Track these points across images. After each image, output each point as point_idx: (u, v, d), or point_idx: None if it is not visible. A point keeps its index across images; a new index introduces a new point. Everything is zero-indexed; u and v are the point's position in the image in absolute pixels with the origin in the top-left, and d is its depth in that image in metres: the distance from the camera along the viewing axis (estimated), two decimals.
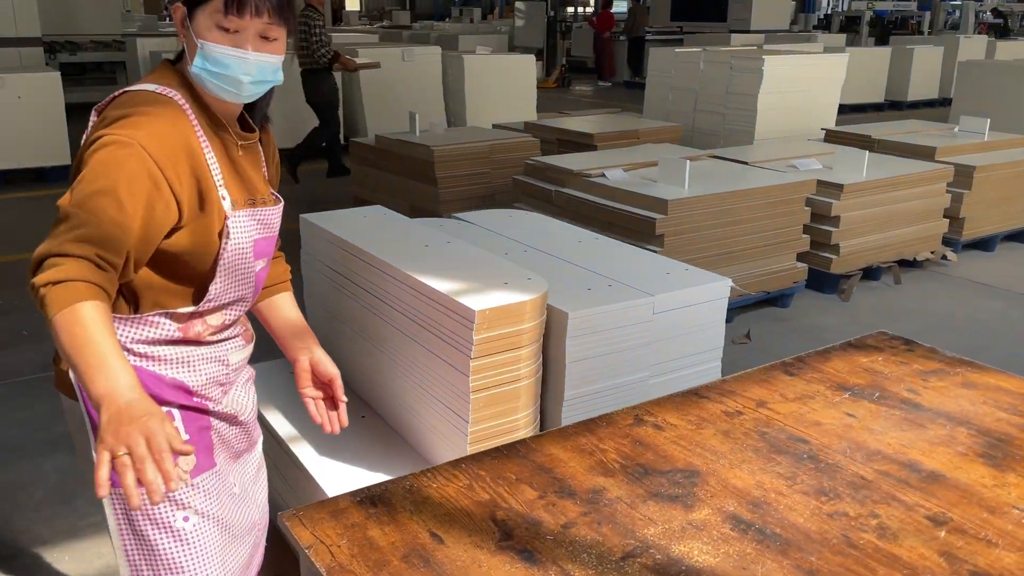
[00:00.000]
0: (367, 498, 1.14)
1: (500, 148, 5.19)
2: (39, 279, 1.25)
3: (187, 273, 1.47)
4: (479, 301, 1.84)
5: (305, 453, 2.09)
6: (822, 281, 4.73)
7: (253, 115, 1.57)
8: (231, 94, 1.44)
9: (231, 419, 1.64)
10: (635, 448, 1.27)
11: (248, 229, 1.51)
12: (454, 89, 8.65)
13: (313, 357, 1.68)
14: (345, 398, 1.67)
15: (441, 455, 2.00)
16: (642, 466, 1.22)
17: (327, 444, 2.11)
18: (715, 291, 2.20)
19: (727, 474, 1.21)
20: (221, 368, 1.58)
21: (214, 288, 1.49)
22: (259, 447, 1.78)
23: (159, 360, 1.49)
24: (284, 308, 1.76)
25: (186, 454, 1.15)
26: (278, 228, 1.62)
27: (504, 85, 8.74)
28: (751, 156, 5.05)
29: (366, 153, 5.59)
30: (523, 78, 8.91)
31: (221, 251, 1.47)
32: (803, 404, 1.41)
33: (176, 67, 1.49)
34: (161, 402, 1.44)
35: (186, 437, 1.51)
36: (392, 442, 2.16)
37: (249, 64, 1.41)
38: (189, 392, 1.53)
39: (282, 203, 1.62)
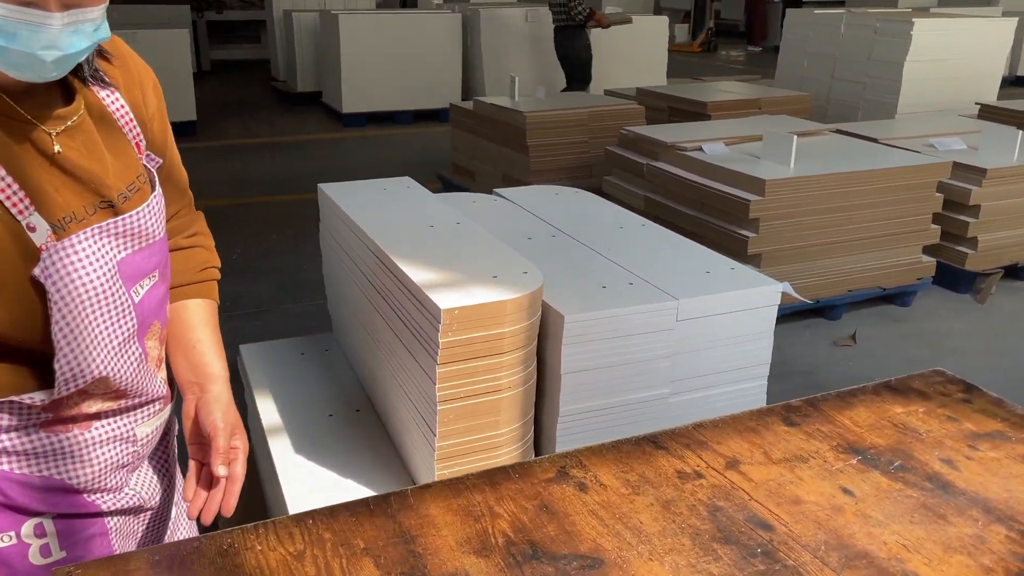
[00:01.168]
0: (168, 558, 0.91)
1: (599, 116, 4.85)
2: None
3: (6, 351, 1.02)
4: (450, 298, 1.57)
5: (281, 453, 1.90)
6: (955, 279, 4.15)
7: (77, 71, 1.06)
8: (32, 76, 0.95)
9: (135, 511, 1.23)
10: (538, 516, 0.98)
11: (96, 256, 1.03)
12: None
13: (200, 400, 1.19)
14: (222, 471, 1.13)
15: (416, 469, 1.76)
16: (534, 544, 0.94)
17: (309, 445, 1.92)
18: (761, 297, 1.84)
19: (638, 569, 0.90)
20: (123, 448, 1.17)
21: (60, 366, 1.02)
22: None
23: (16, 454, 1.07)
24: (185, 321, 1.24)
25: None
26: (160, 225, 1.14)
27: (633, 48, 8.30)
28: (884, 132, 4.49)
29: (464, 118, 5.37)
30: (654, 41, 8.43)
31: (50, 306, 1.00)
32: (789, 470, 1.08)
33: None
34: (21, 512, 1.08)
35: (61, 555, 1.13)
36: (381, 448, 1.94)
37: (53, 33, 0.91)
38: (72, 491, 1.13)
39: (156, 192, 1.15)
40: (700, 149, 3.91)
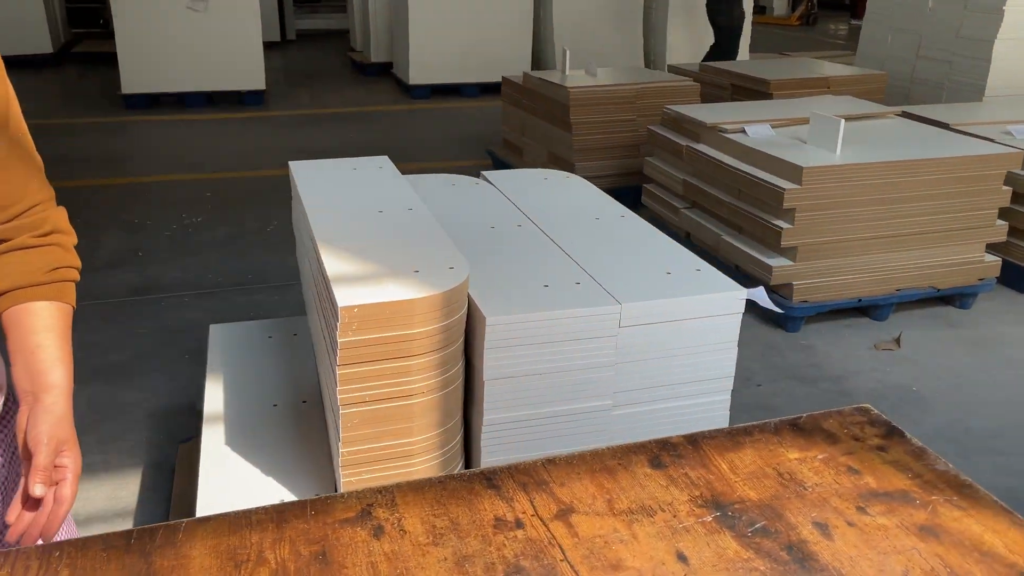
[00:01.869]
0: None
1: (650, 93, 4.61)
2: None
3: None
4: (354, 294, 1.46)
5: (211, 444, 1.83)
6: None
7: None
8: None
9: None
10: (308, 566, 0.86)
11: None
12: (655, 24, 7.97)
13: (32, 411, 1.07)
14: (39, 491, 1.02)
15: (337, 473, 1.67)
16: None
17: (242, 437, 1.85)
18: (721, 304, 1.66)
19: None
20: None
21: None
22: None
23: None
24: (27, 325, 1.12)
25: None
26: None
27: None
28: (959, 117, 4.12)
29: (514, 92, 5.21)
30: None
31: None
32: (627, 524, 0.92)
33: None
34: None
35: None
36: (314, 446, 1.85)
37: None
38: None
39: None
40: (743, 131, 3.66)
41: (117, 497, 2.46)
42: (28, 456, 1.07)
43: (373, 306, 1.44)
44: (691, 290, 1.66)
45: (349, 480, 1.55)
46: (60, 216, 1.22)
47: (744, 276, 3.50)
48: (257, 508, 0.95)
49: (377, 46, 8.60)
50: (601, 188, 4.65)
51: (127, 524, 2.35)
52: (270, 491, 1.68)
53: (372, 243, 1.69)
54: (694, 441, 1.07)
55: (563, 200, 2.18)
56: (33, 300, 1.13)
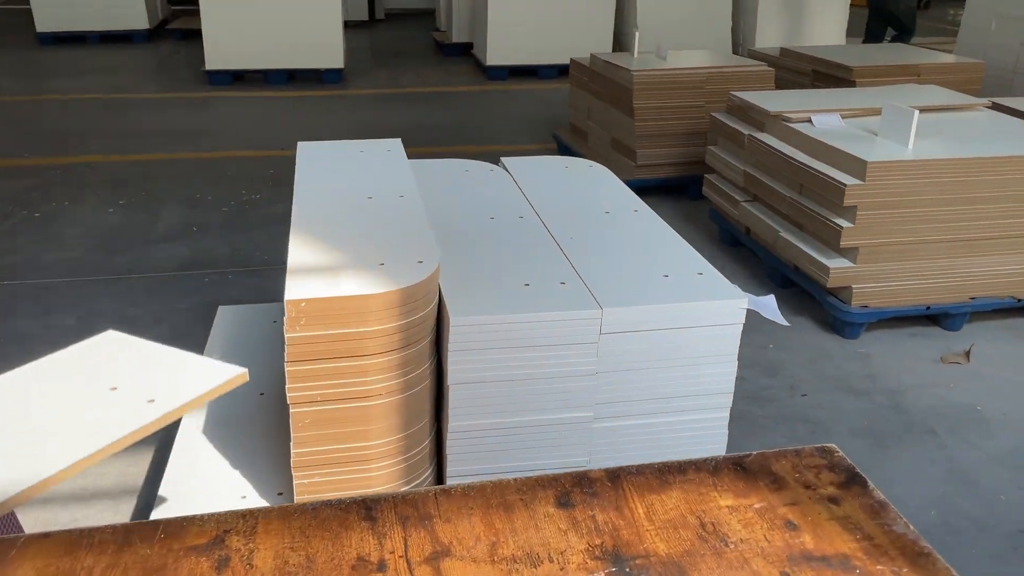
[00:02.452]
0: None
1: (720, 78, 4.38)
2: None
3: None
4: (304, 287, 1.37)
5: (186, 433, 1.78)
6: None
7: None
8: None
9: None
10: None
11: None
12: (745, 6, 7.64)
13: None
14: None
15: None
16: None
17: (221, 426, 1.79)
18: (718, 313, 1.50)
19: None
20: None
21: None
22: None
23: None
24: None
25: None
26: None
27: (813, 3, 7.55)
28: None
29: (581, 74, 5.04)
30: None
31: None
32: (508, 571, 0.80)
33: None
34: None
35: None
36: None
37: None
38: None
39: None
40: (809, 121, 3.42)
41: (128, 474, 2.45)
42: None
43: (322, 300, 1.35)
44: (685, 296, 1.51)
45: (301, 483, 1.46)
46: None
47: (802, 276, 3.27)
48: (107, 527, 0.87)
49: (459, 26, 8.53)
50: (663, 177, 4.48)
51: (132, 502, 2.35)
52: (235, 484, 1.62)
53: (347, 232, 1.60)
54: (615, 477, 0.94)
55: (577, 191, 2.04)
56: None
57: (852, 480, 0.93)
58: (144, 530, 0.86)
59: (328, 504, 0.89)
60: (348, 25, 10.10)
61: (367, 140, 2.19)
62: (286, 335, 1.36)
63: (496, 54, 7.52)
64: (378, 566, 0.81)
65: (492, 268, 1.60)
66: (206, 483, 1.61)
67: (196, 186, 4.81)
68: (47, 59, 8.09)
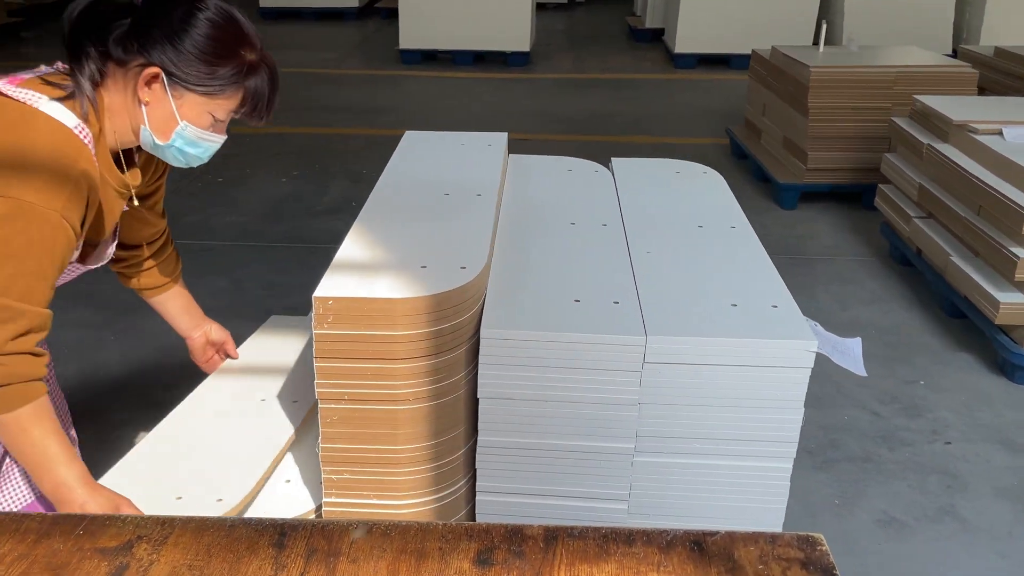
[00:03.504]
0: None
1: (911, 78, 3.97)
2: None
3: None
4: (335, 284, 1.36)
5: (156, 439, 1.67)
6: None
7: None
8: (179, 163, 1.45)
9: None
10: None
11: (65, 275, 1.46)
12: None
13: (206, 332, 1.85)
14: (237, 354, 1.87)
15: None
16: None
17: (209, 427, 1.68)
18: (779, 353, 1.35)
19: None
20: None
21: None
22: None
23: None
24: (180, 297, 1.82)
25: None
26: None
27: None
28: None
29: (760, 67, 4.75)
30: None
31: None
32: None
33: (77, 85, 1.31)
34: None
35: None
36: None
37: (216, 147, 1.44)
38: None
39: (104, 262, 1.57)
40: (999, 133, 3.03)
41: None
42: (208, 355, 1.87)
43: (349, 300, 1.33)
44: (746, 331, 1.36)
45: (330, 478, 1.46)
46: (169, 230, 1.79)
47: (972, 308, 2.92)
48: (38, 515, 0.89)
49: (653, 10, 8.31)
50: (834, 183, 4.15)
51: None
52: (175, 484, 1.51)
53: (406, 229, 1.57)
54: (552, 538, 0.85)
55: (677, 200, 1.90)
56: (173, 287, 1.81)
57: None
58: (68, 524, 0.87)
59: (246, 523, 0.87)
60: (546, 8, 10.15)
61: (472, 133, 2.16)
62: (314, 331, 1.35)
63: (686, 41, 7.27)
64: None
65: (548, 278, 1.52)
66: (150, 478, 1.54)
67: (367, 162, 5.00)
68: (263, 33, 8.69)
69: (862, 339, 2.97)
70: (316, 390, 1.40)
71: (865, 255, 3.78)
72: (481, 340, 1.37)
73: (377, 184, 1.80)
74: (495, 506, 1.50)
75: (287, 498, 1.54)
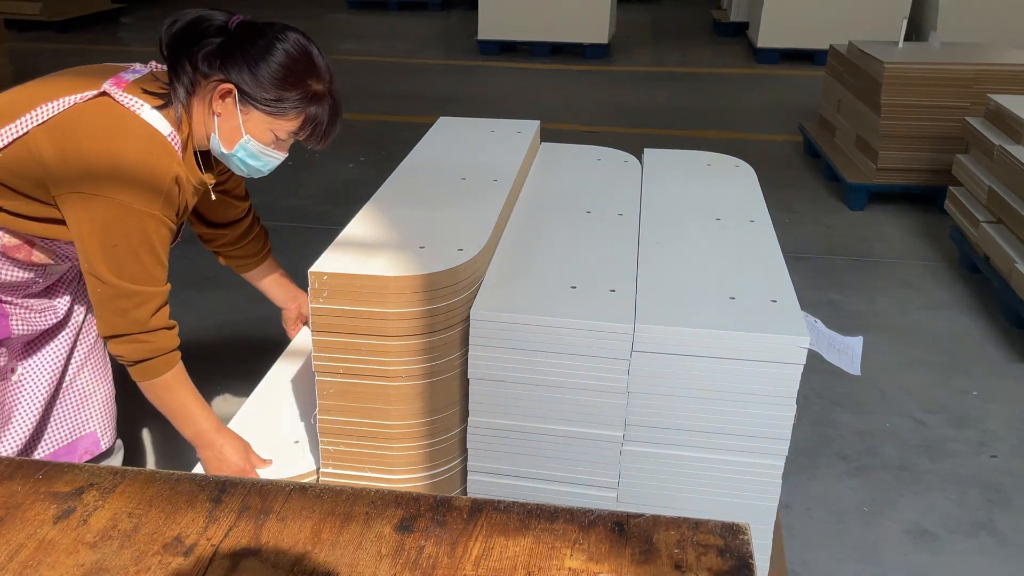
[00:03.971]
0: None
1: (992, 76, 3.79)
2: (132, 355, 1.47)
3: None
4: (332, 260, 1.40)
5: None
6: None
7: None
8: (242, 173, 1.57)
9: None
10: None
11: None
12: None
13: (300, 304, 2.00)
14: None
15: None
16: None
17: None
18: (771, 348, 1.32)
19: None
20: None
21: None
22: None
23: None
24: (274, 272, 1.98)
25: (268, 466, 1.57)
26: None
27: None
28: None
29: (837, 62, 4.60)
30: None
31: None
32: None
33: (174, 93, 1.46)
34: None
35: None
36: None
37: (277, 163, 1.57)
38: None
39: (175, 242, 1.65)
40: None
41: None
42: (297, 325, 2.02)
43: (342, 276, 1.36)
44: (738, 323, 1.34)
45: (327, 448, 1.51)
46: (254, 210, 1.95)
47: None
48: (6, 459, 0.95)
49: (738, 4, 8.14)
50: (906, 184, 4.00)
51: None
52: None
53: (410, 211, 1.60)
54: (478, 510, 0.86)
55: (701, 193, 1.88)
56: (268, 258, 1.97)
57: (739, 569, 0.78)
58: (30, 468, 0.93)
59: (191, 478, 0.91)
60: (632, 1, 10.04)
61: (504, 120, 2.17)
62: (310, 305, 1.39)
63: (769, 35, 7.09)
64: (187, 550, 0.81)
65: (550, 264, 1.53)
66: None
67: None
68: (347, 22, 8.87)
69: (919, 345, 2.87)
70: (313, 363, 1.44)
71: (933, 260, 3.64)
72: (471, 321, 1.39)
73: (399, 167, 1.83)
74: (486, 487, 1.51)
75: (292, 458, 1.60)
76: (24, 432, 1.71)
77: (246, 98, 1.45)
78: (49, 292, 1.71)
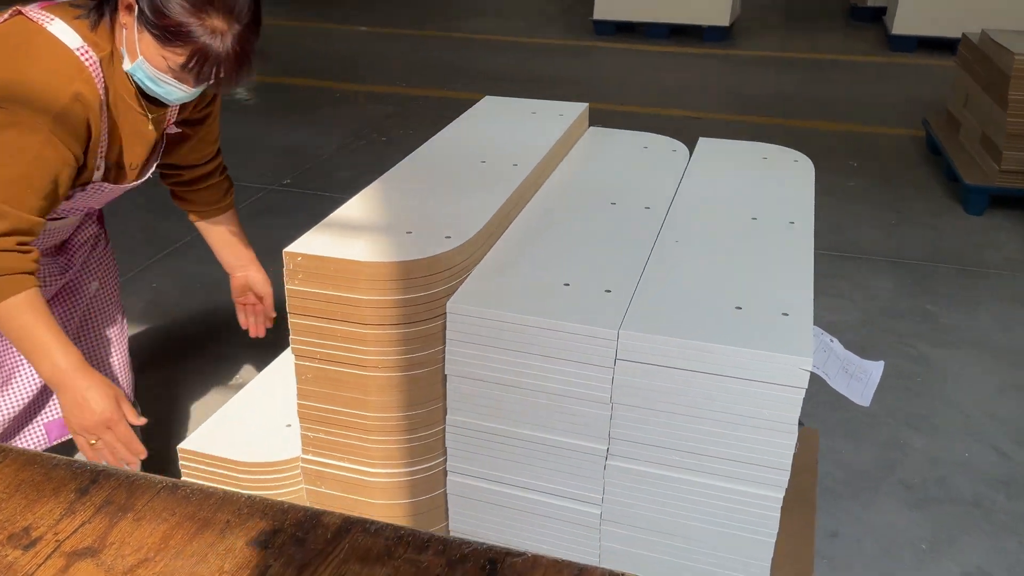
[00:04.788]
0: None
1: None
2: None
3: None
4: (310, 240, 1.34)
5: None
6: None
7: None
8: (154, 95, 1.46)
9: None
10: None
11: (91, 196, 1.56)
12: None
13: (248, 275, 1.88)
14: (273, 314, 1.91)
15: None
16: None
17: None
18: (770, 368, 1.17)
19: None
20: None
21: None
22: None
23: None
24: (219, 229, 1.86)
25: (142, 424, 1.48)
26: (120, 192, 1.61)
27: None
28: None
29: (968, 53, 4.21)
30: None
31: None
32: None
33: (100, 9, 1.40)
34: None
35: None
36: None
37: (182, 94, 1.44)
38: None
39: (142, 180, 1.62)
40: None
41: None
42: (247, 299, 1.93)
43: (316, 259, 1.30)
44: (735, 338, 1.20)
45: (306, 434, 1.46)
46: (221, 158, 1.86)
47: None
48: None
49: None
50: None
51: None
52: None
53: (414, 194, 1.52)
54: (346, 530, 0.78)
55: (745, 188, 1.72)
56: (223, 212, 1.86)
57: None
58: None
59: (69, 464, 0.87)
60: None
61: (549, 101, 2.06)
62: (286, 286, 1.34)
63: (905, 21, 6.61)
64: (29, 544, 0.77)
65: (550, 258, 1.42)
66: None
67: None
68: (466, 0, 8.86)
69: (1019, 369, 2.58)
70: (291, 345, 1.39)
71: None
72: (447, 315, 1.31)
73: (421, 147, 1.76)
74: (465, 489, 1.43)
75: (283, 441, 1.56)
76: (25, 393, 1.73)
77: (142, 18, 1.35)
78: (57, 252, 1.72)
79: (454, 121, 1.92)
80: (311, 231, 1.38)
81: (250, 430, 1.58)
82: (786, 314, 1.26)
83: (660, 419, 1.26)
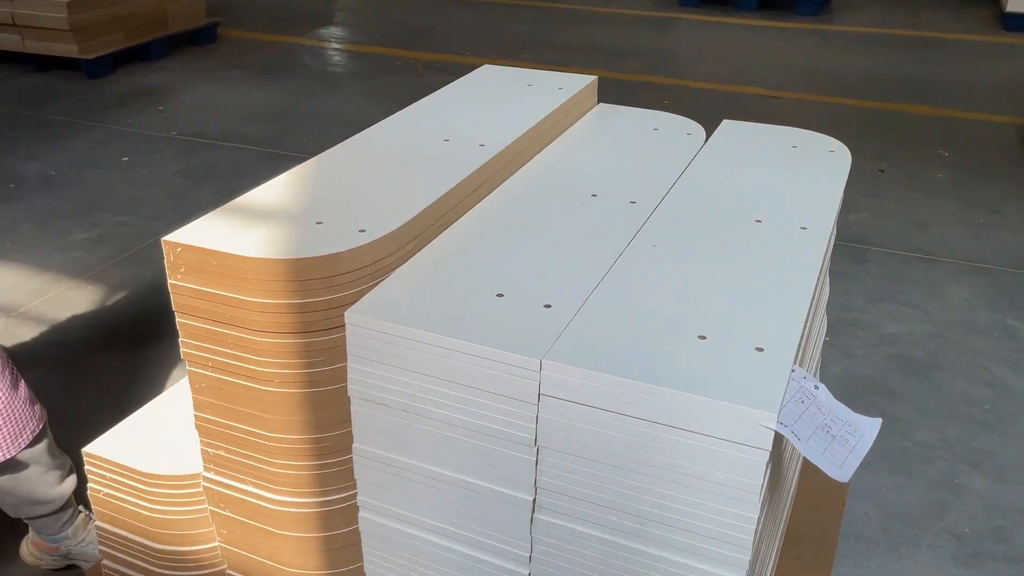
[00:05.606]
0: None
1: None
2: None
3: None
4: (194, 229, 1.14)
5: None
6: None
7: None
8: None
9: None
10: None
11: None
12: None
13: None
14: None
15: None
16: None
17: None
18: (722, 421, 0.91)
19: None
20: None
21: None
22: None
23: None
24: None
25: None
26: None
27: None
28: None
29: None
30: None
31: None
32: None
33: None
34: None
35: None
36: None
37: None
38: None
39: None
40: None
41: None
42: None
43: (197, 251, 1.10)
44: (683, 377, 0.93)
45: (207, 451, 1.27)
46: None
47: None
48: None
49: None
50: None
51: None
52: None
53: (347, 177, 1.30)
54: None
55: (760, 183, 1.43)
56: None
57: None
58: None
59: None
60: None
61: (550, 72, 1.80)
62: (168, 280, 1.14)
63: None
64: None
65: (490, 262, 1.17)
66: None
67: None
68: None
69: None
70: (181, 350, 1.19)
71: None
72: (346, 325, 1.08)
73: (383, 120, 1.53)
74: (378, 528, 1.21)
75: (196, 454, 1.37)
76: None
77: None
78: None
79: (435, 92, 1.68)
80: (205, 217, 1.17)
81: (162, 439, 1.40)
82: (760, 349, 0.99)
83: (592, 469, 1.01)
